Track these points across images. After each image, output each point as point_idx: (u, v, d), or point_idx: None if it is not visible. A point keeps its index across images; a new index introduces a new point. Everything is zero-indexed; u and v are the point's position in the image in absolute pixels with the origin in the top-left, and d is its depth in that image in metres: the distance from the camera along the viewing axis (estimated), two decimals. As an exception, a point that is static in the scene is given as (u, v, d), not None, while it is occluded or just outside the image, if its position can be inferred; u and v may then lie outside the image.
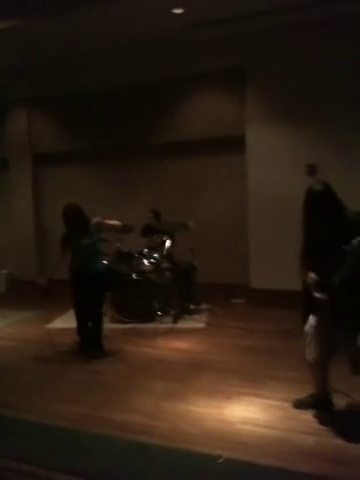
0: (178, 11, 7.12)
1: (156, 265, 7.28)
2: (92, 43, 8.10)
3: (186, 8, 7.00)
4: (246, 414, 4.11)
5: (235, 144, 8.16)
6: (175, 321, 7.05)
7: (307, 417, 3.96)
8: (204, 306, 7.68)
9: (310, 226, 3.69)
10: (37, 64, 8.94)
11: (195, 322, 7.09)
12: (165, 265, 7.33)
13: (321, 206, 3.63)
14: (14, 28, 7.30)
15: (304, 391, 4.21)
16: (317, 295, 3.61)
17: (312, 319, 3.88)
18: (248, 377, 4.90)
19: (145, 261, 7.31)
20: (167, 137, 8.73)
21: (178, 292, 7.32)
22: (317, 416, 3.94)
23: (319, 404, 4.01)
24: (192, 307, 7.56)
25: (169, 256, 7.39)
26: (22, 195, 9.95)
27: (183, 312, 7.31)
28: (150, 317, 7.12)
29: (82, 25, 7.42)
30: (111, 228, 6.06)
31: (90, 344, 5.88)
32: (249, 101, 7.92)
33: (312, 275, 3.68)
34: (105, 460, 3.48)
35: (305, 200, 3.70)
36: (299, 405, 4.12)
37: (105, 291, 6.02)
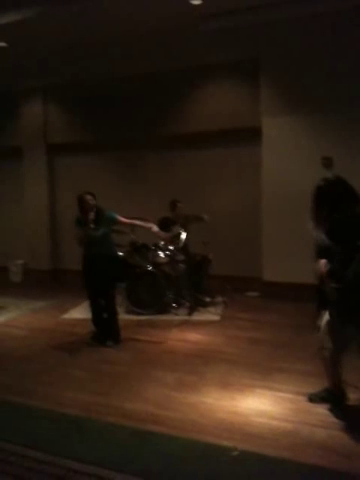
0: (196, 2, 7.07)
1: (171, 257, 7.26)
2: (107, 33, 8.07)
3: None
4: (259, 406, 4.09)
5: (249, 136, 8.10)
6: (190, 313, 7.04)
7: (320, 410, 3.93)
8: (219, 299, 7.65)
9: (317, 220, 3.69)
10: (52, 53, 8.93)
11: (209, 314, 7.07)
12: (180, 257, 7.31)
13: (325, 201, 3.66)
14: (29, 18, 7.30)
15: (316, 384, 4.18)
16: (329, 285, 3.57)
17: (326, 314, 3.84)
18: (261, 370, 4.88)
19: (160, 253, 7.29)
20: (181, 128, 8.69)
21: (192, 284, 7.31)
22: (330, 410, 3.91)
23: (333, 398, 3.98)
24: (207, 299, 7.54)
25: (184, 248, 7.37)
26: (36, 184, 9.94)
27: (198, 304, 7.30)
28: (165, 309, 7.12)
29: (97, 14, 7.39)
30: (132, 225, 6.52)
31: (105, 334, 5.90)
32: (264, 92, 7.85)
33: (322, 265, 3.65)
34: (113, 449, 3.47)
35: (312, 195, 3.74)
36: (314, 399, 4.09)
37: (115, 281, 6.00)
